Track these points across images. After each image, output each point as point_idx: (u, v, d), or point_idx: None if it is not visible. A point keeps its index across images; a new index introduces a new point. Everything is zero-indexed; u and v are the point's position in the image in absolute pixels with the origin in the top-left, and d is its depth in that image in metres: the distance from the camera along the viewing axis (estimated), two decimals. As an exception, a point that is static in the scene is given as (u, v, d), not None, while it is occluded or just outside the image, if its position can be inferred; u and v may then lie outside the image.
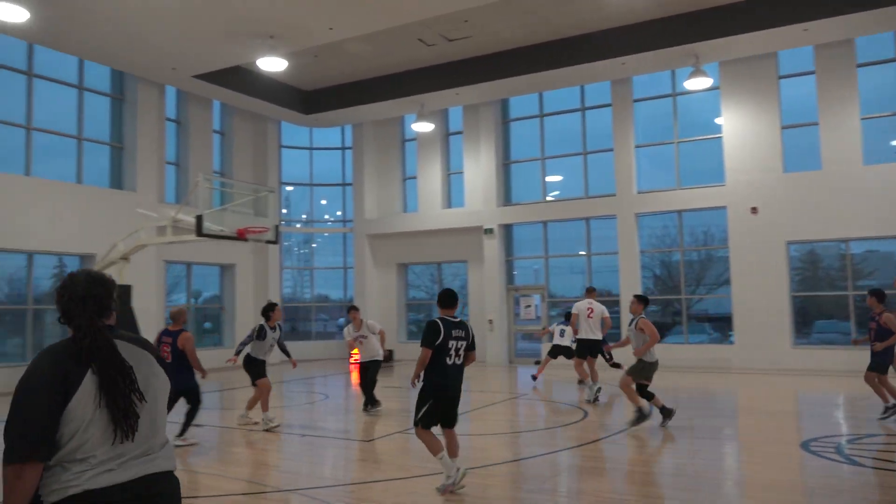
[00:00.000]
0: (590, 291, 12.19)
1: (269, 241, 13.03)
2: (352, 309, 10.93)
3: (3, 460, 2.14)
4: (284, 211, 22.17)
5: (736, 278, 16.41)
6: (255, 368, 9.43)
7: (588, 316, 11.57)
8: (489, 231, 19.35)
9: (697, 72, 15.65)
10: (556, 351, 13.38)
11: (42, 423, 2.15)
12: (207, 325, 19.61)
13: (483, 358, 19.31)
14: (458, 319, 6.10)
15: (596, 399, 11.07)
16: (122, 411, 2.25)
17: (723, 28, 14.93)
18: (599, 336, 11.66)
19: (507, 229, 19.86)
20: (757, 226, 16.25)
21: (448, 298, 6.11)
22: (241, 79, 17.87)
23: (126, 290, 14.01)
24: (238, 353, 9.73)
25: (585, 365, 11.67)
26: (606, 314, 11.73)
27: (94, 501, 2.21)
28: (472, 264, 20.12)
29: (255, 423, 9.36)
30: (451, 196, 20.84)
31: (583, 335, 11.59)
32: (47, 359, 2.26)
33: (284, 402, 12.28)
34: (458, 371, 6.04)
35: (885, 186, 15.03)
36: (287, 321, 21.59)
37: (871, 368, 9.09)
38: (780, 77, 16.46)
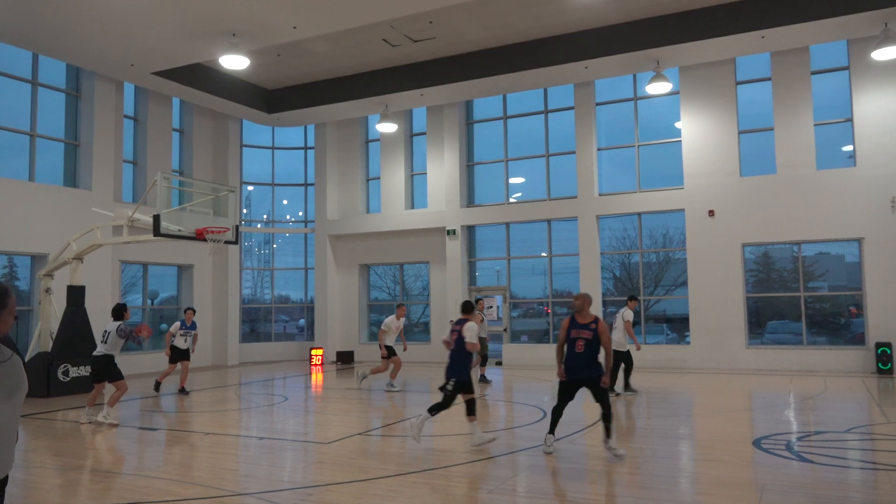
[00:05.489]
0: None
1: (228, 242, 12.87)
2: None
3: None
4: (245, 211, 21.90)
5: (693, 280, 16.74)
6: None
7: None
8: (452, 232, 19.39)
9: (658, 76, 15.92)
10: None
11: None
12: (164, 326, 19.25)
13: (444, 358, 19.27)
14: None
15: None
16: None
17: (683, 34, 15.21)
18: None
19: (470, 230, 19.93)
20: (714, 228, 16.60)
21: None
22: (201, 76, 17.58)
23: (80, 291, 13.71)
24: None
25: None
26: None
27: None
28: (434, 265, 20.14)
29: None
30: (415, 197, 20.84)
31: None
32: None
33: (242, 404, 12.13)
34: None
35: (836, 191, 15.50)
36: (246, 322, 21.34)
37: None
38: (738, 83, 16.84)
